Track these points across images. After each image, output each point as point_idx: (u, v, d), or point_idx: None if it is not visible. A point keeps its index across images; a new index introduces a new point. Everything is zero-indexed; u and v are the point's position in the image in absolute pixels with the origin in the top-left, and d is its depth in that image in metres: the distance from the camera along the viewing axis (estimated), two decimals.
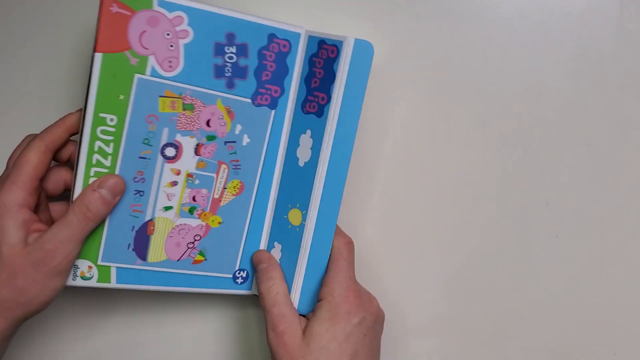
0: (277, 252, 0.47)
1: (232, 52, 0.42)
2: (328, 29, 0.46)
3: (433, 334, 0.52)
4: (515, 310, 0.52)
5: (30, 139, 0.42)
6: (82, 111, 0.41)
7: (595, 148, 0.51)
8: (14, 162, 0.42)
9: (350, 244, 0.45)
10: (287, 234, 0.46)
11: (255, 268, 0.47)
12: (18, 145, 0.44)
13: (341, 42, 0.42)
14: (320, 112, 0.44)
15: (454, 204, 0.52)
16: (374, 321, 0.44)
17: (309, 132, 0.44)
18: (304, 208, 0.45)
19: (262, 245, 0.47)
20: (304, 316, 0.45)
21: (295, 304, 0.45)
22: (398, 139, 0.52)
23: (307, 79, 0.44)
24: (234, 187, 0.45)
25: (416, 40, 0.51)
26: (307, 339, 0.42)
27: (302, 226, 0.45)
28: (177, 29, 0.41)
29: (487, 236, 0.52)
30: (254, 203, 0.46)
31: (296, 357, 0.42)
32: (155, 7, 0.40)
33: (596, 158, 0.51)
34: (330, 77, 0.43)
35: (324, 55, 0.43)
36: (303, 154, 0.45)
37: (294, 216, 0.45)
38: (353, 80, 0.42)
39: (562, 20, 0.50)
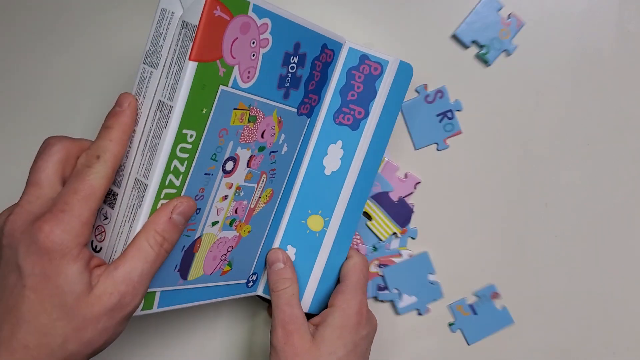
0: (290, 255, 0.48)
1: (294, 63, 0.41)
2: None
3: (432, 333, 0.53)
4: (514, 310, 0.53)
5: (90, 158, 0.33)
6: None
7: (595, 148, 0.51)
8: (57, 179, 0.33)
9: (366, 260, 0.48)
10: (304, 239, 0.47)
11: (270, 266, 0.47)
12: (40, 152, 0.34)
13: (387, 62, 0.45)
14: (356, 125, 0.46)
15: (453, 204, 0.52)
16: (373, 337, 0.47)
17: (339, 142, 0.46)
18: (327, 215, 0.47)
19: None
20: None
21: (307, 306, 0.47)
22: (398, 138, 0.52)
23: (343, 90, 0.46)
24: (266, 196, 0.44)
25: (415, 40, 0.51)
26: (317, 342, 0.43)
27: (322, 232, 0.47)
28: (261, 37, 0.37)
29: (486, 236, 0.52)
30: (276, 209, 0.46)
31: (304, 358, 0.42)
32: (250, 12, 0.36)
33: (595, 158, 0.51)
34: (371, 93, 0.45)
35: (365, 70, 0.45)
36: (331, 163, 0.47)
37: (315, 222, 0.47)
38: (392, 99, 0.46)
39: (562, 21, 0.50)
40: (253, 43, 0.37)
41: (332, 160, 0.47)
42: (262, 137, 0.41)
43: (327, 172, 0.47)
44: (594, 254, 0.53)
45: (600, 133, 0.52)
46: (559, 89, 0.51)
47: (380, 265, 0.53)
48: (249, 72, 0.37)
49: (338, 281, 0.48)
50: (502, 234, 0.52)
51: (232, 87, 0.36)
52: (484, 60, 0.51)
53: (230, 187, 0.40)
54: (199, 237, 0.40)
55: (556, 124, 0.52)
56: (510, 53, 0.51)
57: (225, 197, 0.41)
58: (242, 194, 0.42)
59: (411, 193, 0.52)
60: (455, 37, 0.51)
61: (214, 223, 0.41)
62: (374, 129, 0.46)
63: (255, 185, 0.43)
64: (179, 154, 0.35)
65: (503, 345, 0.53)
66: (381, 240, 0.53)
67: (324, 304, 0.48)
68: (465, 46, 0.51)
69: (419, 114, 0.52)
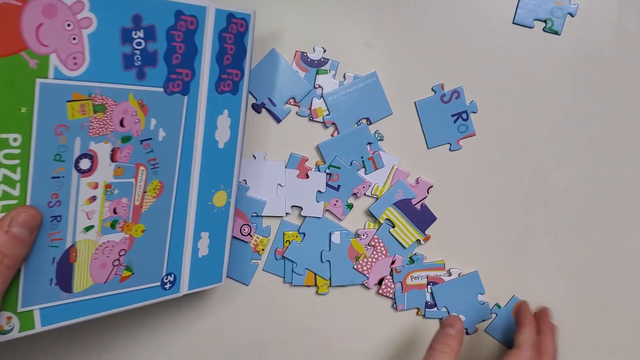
0: (205, 241, 0.45)
1: (140, 37, 0.37)
2: None
3: (432, 334, 0.51)
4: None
5: None
6: None
7: (594, 148, 0.52)
8: None
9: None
10: (213, 219, 0.45)
11: (442, 327, 0.46)
12: None
13: (249, 15, 0.42)
14: (236, 88, 0.43)
15: (452, 204, 0.52)
16: None
17: (225, 112, 0.43)
18: (228, 187, 0.45)
19: (188, 241, 0.44)
20: None
21: (224, 276, 0.47)
22: (397, 138, 0.52)
23: (219, 56, 0.41)
24: (154, 189, 0.41)
25: (415, 40, 0.50)
26: None
27: (227, 204, 0.45)
28: (79, 17, 0.34)
29: (486, 236, 0.52)
30: (175, 201, 0.42)
31: None
32: None
33: (595, 158, 0.52)
34: (242, 51, 0.42)
35: (234, 29, 0.41)
36: (222, 135, 0.43)
37: (219, 198, 0.45)
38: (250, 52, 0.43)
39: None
40: (69, 25, 0.33)
41: (222, 132, 0.43)
42: (122, 125, 0.37)
43: (221, 145, 0.44)
44: (593, 253, 0.53)
45: (600, 133, 0.51)
46: (559, 89, 0.51)
47: (429, 283, 0.53)
48: (74, 59, 0.34)
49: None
50: (501, 234, 0.53)
51: (55, 78, 0.33)
52: (553, 32, 0.50)
53: (95, 187, 0.37)
54: (72, 246, 0.37)
55: (556, 124, 0.51)
56: (574, 14, 0.50)
57: (93, 198, 0.37)
58: (116, 191, 0.38)
59: (425, 197, 0.52)
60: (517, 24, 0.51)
61: (88, 228, 0.38)
62: (248, 87, 0.44)
63: (133, 180, 0.39)
64: (4, 161, 0.32)
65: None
66: (404, 247, 0.52)
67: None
68: (529, 27, 0.50)
69: (434, 114, 0.51)
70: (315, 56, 0.50)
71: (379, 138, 0.51)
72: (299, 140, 0.50)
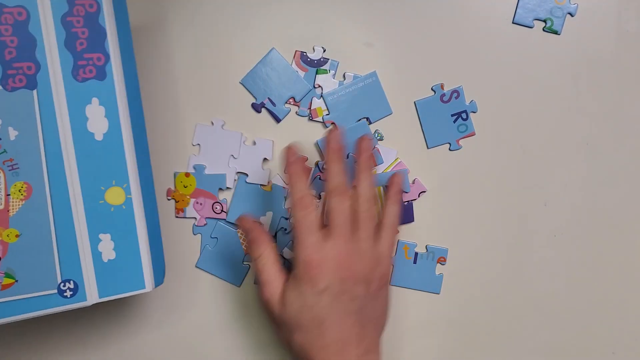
0: (107, 244, 0.42)
1: None
2: None
3: (432, 333, 0.52)
4: (513, 310, 0.52)
5: None
6: None
7: (594, 148, 0.51)
8: None
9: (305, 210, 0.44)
10: (112, 218, 0.42)
11: (244, 234, 0.48)
12: None
13: None
14: (102, 74, 0.40)
15: (452, 203, 0.52)
16: (341, 286, 0.43)
17: (95, 100, 0.40)
18: (124, 181, 0.41)
19: (82, 246, 0.41)
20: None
21: (150, 281, 0.43)
22: (397, 138, 0.51)
23: (68, 42, 0.39)
24: (20, 191, 0.39)
25: (414, 39, 0.50)
26: (283, 306, 0.43)
27: (128, 201, 0.42)
28: None
29: (485, 236, 0.52)
30: (51, 202, 0.40)
31: (279, 323, 0.44)
32: None
33: (595, 158, 0.51)
34: (100, 33, 0.40)
35: (81, 12, 0.39)
36: (97, 126, 0.40)
37: (114, 195, 0.41)
38: (121, 29, 0.41)
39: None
40: None
41: (96, 122, 0.40)
42: None
43: (99, 137, 0.40)
44: (593, 253, 0.52)
45: (600, 132, 0.51)
46: (559, 89, 0.51)
47: None
48: None
49: None
50: (501, 234, 0.52)
51: None
52: (553, 31, 0.50)
53: None
54: None
55: (556, 123, 0.51)
56: (574, 14, 0.50)
57: None
58: None
59: (414, 200, 0.52)
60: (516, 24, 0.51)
61: None
62: (122, 69, 0.41)
63: None
64: None
65: (502, 344, 0.53)
66: None
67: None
68: (529, 27, 0.50)
69: (434, 113, 0.51)
70: (315, 56, 0.50)
71: (379, 138, 0.51)
72: (298, 140, 0.50)
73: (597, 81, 0.51)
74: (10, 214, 0.38)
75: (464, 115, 0.51)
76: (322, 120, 0.50)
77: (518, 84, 0.50)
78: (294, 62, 0.50)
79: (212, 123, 0.50)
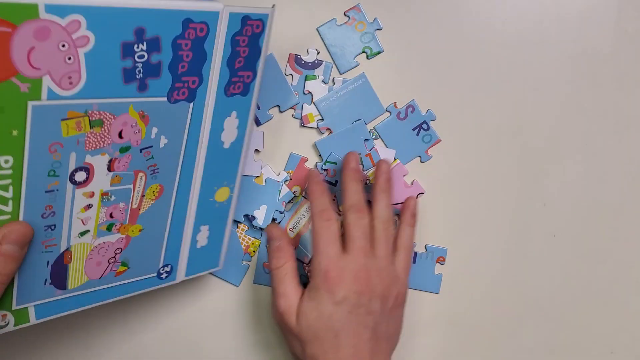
0: (204, 233, 0.46)
1: (142, 50, 0.35)
2: None
3: (431, 333, 0.53)
4: (512, 309, 0.53)
5: None
6: None
7: (593, 148, 0.52)
8: None
9: (328, 220, 0.45)
10: (214, 213, 0.45)
11: (268, 242, 0.48)
12: None
13: (267, 15, 0.39)
14: (246, 90, 0.41)
15: (451, 203, 0.52)
16: (358, 299, 0.43)
17: (234, 113, 0.42)
18: (231, 183, 0.45)
19: (187, 235, 0.45)
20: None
21: (222, 262, 0.49)
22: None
23: (230, 60, 0.39)
24: (153, 192, 0.41)
25: (414, 39, 0.50)
26: (299, 317, 0.43)
27: (229, 198, 0.46)
28: (75, 36, 0.33)
29: (484, 236, 0.53)
30: (175, 200, 0.43)
31: (294, 334, 0.44)
32: (43, 14, 0.31)
33: (593, 158, 0.52)
34: (256, 53, 0.40)
35: (248, 32, 0.39)
36: (228, 136, 0.43)
37: (221, 194, 0.45)
38: (265, 51, 0.41)
39: (560, 21, 0.50)
40: (63, 46, 0.32)
41: (229, 133, 0.42)
42: (121, 137, 0.37)
43: (226, 145, 0.43)
44: (592, 253, 0.53)
45: (599, 133, 0.52)
46: (557, 89, 0.51)
47: None
48: (70, 78, 0.33)
49: None
50: (500, 234, 0.53)
51: (48, 99, 0.33)
52: (376, 53, 0.50)
53: (91, 196, 0.38)
54: (67, 250, 0.38)
55: (554, 123, 0.52)
56: (381, 27, 0.50)
57: (89, 206, 0.38)
58: (112, 198, 0.39)
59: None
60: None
61: (83, 233, 0.39)
62: (260, 86, 0.42)
63: (131, 186, 0.40)
64: None
65: (501, 344, 0.54)
66: None
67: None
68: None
69: (395, 132, 0.51)
70: (309, 58, 0.49)
71: (374, 137, 0.51)
72: (298, 139, 0.50)
73: (596, 81, 0.51)
74: (141, 212, 0.41)
75: (424, 126, 0.51)
76: (316, 127, 0.50)
77: (518, 83, 0.51)
78: (287, 65, 0.49)
79: None
